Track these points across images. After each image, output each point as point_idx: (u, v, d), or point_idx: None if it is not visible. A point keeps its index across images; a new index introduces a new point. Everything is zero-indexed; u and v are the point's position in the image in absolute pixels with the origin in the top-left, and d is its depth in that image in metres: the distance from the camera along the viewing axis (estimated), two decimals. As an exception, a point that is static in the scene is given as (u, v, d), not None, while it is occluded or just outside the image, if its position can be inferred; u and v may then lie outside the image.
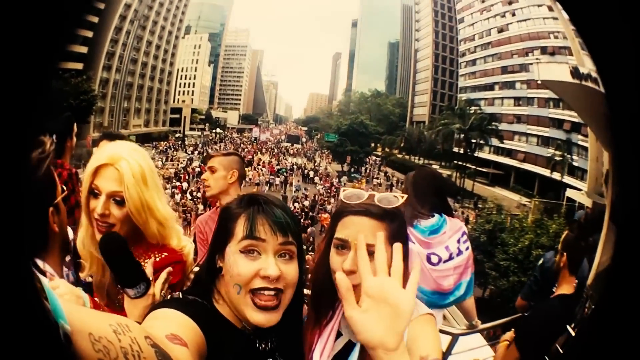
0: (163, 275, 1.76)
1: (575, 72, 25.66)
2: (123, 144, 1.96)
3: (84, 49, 55.39)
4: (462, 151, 59.51)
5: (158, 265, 1.86)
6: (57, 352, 0.64)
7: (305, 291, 1.67)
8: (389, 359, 1.08)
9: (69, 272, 2.07)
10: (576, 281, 3.05)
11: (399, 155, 73.60)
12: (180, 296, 1.43)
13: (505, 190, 54.22)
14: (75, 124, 3.52)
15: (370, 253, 1.35)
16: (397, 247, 1.19)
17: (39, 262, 1.73)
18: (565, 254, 3.19)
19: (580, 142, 44.74)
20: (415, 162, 65.12)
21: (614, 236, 0.77)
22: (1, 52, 0.56)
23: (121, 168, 1.81)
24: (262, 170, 54.83)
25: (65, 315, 0.68)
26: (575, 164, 45.09)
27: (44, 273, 1.73)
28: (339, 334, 1.60)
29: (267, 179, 50.91)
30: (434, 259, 2.89)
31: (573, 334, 1.76)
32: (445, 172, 55.93)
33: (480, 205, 44.69)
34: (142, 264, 1.74)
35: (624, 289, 0.73)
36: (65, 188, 1.83)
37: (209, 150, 66.07)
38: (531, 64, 55.18)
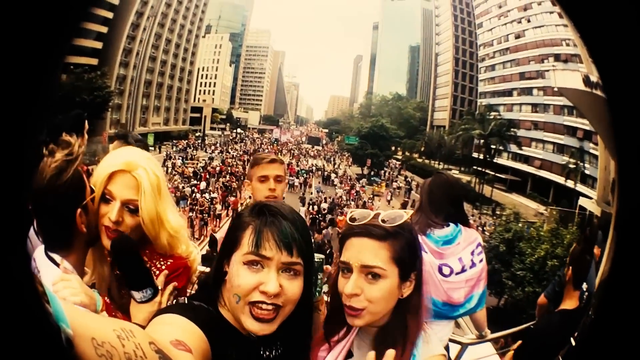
0: (170, 287, 1.78)
1: (586, 80, 25.48)
2: (137, 151, 1.95)
3: (98, 45, 55.71)
4: (481, 157, 59.29)
5: (170, 268, 1.91)
6: (58, 356, 0.63)
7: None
8: None
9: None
10: (580, 295, 2.99)
11: (419, 160, 73.38)
12: (186, 301, 1.42)
13: (522, 197, 54.25)
14: (86, 121, 3.56)
15: (373, 275, 1.46)
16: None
17: (56, 257, 1.72)
18: (571, 267, 3.14)
19: (591, 150, 44.76)
20: (435, 166, 64.76)
21: (614, 244, 0.76)
22: (4, 45, 0.55)
23: (139, 176, 1.79)
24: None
25: (68, 319, 0.67)
26: (587, 172, 45.19)
27: (57, 265, 1.71)
28: (350, 354, 1.59)
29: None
30: (446, 271, 2.81)
31: (573, 343, 1.77)
32: (464, 178, 55.69)
33: (498, 212, 44.25)
34: (154, 272, 1.81)
35: (622, 297, 0.73)
36: (93, 188, 1.80)
37: (230, 150, 66.42)
38: (547, 70, 55.97)
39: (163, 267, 1.93)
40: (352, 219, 1.55)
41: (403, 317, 1.51)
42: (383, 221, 1.50)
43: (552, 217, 34.26)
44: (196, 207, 31.95)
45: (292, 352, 1.54)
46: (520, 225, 26.99)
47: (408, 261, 1.49)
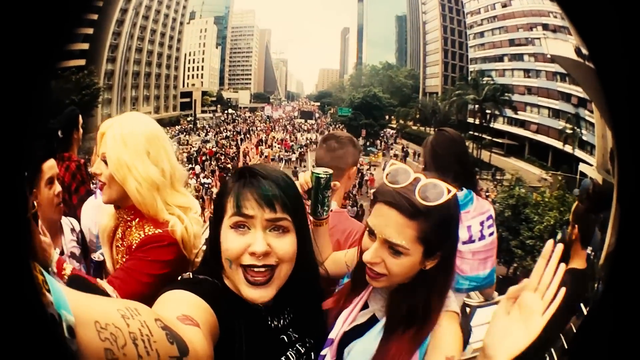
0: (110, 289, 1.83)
1: (578, 51, 25.18)
2: (125, 115, 2.13)
3: (85, 46, 55.12)
4: (477, 122, 59.15)
5: (146, 239, 1.98)
6: (56, 349, 0.61)
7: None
8: None
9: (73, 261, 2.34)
10: (587, 256, 2.95)
11: (414, 127, 73.06)
12: (191, 276, 1.41)
13: (521, 161, 54.55)
14: (80, 117, 3.58)
15: (395, 251, 1.39)
16: (561, 270, 1.18)
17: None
18: (576, 226, 3.08)
19: (587, 118, 44.86)
20: (430, 133, 64.26)
21: (618, 218, 0.76)
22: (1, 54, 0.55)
23: (106, 133, 2.01)
24: (277, 147, 54.78)
25: (69, 304, 0.65)
26: (584, 138, 45.21)
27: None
28: (365, 306, 1.57)
29: (282, 156, 50.89)
30: None
31: (586, 313, 1.77)
32: (460, 143, 55.44)
33: (498, 177, 44.20)
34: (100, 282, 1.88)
35: (629, 272, 0.72)
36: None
37: (223, 132, 66.10)
38: (537, 38, 56.63)
39: (147, 233, 2.01)
40: (388, 177, 1.43)
41: (425, 291, 1.45)
42: (421, 197, 1.34)
43: (556, 183, 34.21)
44: (197, 187, 31.97)
45: (304, 316, 1.54)
46: (523, 190, 26.70)
47: (436, 242, 1.39)
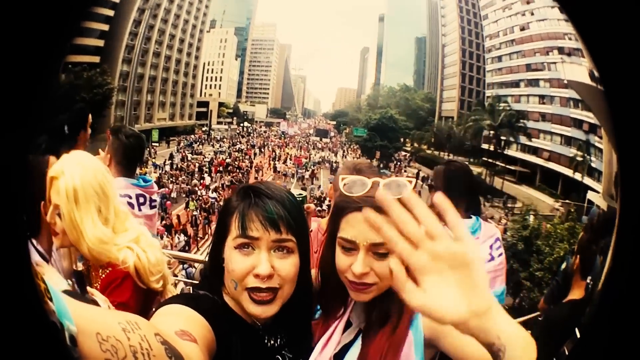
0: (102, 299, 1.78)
1: (592, 74, 25.30)
2: (75, 156, 2.01)
3: (100, 42, 55.94)
4: (491, 148, 59.16)
5: (104, 282, 1.97)
6: (59, 354, 0.62)
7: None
8: (489, 322, 0.86)
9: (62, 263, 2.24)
10: (586, 286, 2.92)
11: (428, 151, 73.01)
12: (191, 291, 1.48)
13: (532, 189, 54.40)
14: (89, 116, 3.49)
15: (382, 254, 1.35)
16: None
17: (35, 242, 1.91)
18: (578, 256, 3.05)
19: (596, 144, 44.80)
20: (445, 158, 64.33)
21: (617, 240, 0.76)
22: (2, 46, 0.55)
23: (58, 184, 1.88)
24: (291, 163, 55.27)
25: (71, 315, 0.66)
26: (593, 165, 45.18)
27: (41, 255, 1.93)
28: (349, 325, 1.52)
29: (295, 172, 51.33)
30: None
31: (578, 335, 1.65)
32: (474, 169, 55.28)
33: (510, 205, 43.94)
34: (96, 282, 1.96)
35: (624, 295, 0.73)
36: None
37: (237, 144, 66.72)
38: (553, 63, 56.90)
39: (101, 277, 2.00)
40: (346, 188, 1.42)
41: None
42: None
43: (566, 213, 33.89)
44: (200, 202, 32.15)
45: (296, 338, 1.53)
46: (535, 221, 26.64)
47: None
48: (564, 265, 3.68)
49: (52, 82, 0.61)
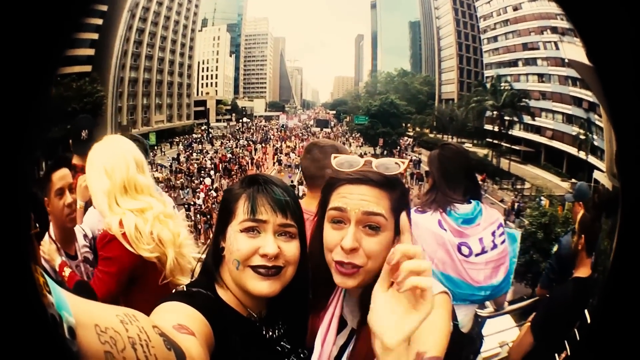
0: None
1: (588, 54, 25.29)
2: (106, 139, 2.52)
3: (90, 52, 55.32)
4: (495, 129, 58.72)
5: (99, 237, 2.33)
6: (58, 349, 0.61)
7: None
8: (383, 356, 1.02)
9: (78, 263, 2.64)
10: (592, 264, 2.92)
11: (431, 135, 72.22)
12: (185, 289, 1.41)
13: (537, 168, 54.24)
14: (93, 120, 3.77)
15: (372, 227, 1.35)
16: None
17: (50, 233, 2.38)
18: (583, 235, 3.04)
19: (597, 122, 44.55)
20: (448, 140, 63.64)
21: (621, 222, 0.74)
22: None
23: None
24: (293, 155, 55.30)
25: (70, 307, 0.66)
26: (595, 143, 44.94)
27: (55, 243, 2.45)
28: (344, 323, 1.51)
29: (297, 163, 51.34)
30: (465, 250, 2.73)
31: (589, 319, 1.60)
32: (479, 151, 55.04)
33: (519, 186, 43.77)
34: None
35: (630, 276, 0.71)
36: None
37: (237, 140, 66.69)
38: (549, 41, 57.04)
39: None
40: (337, 164, 1.45)
41: None
42: (377, 168, 1.40)
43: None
44: (206, 200, 32.12)
45: (295, 328, 1.56)
46: (552, 208, 26.27)
47: (400, 211, 1.35)
48: (555, 248, 3.69)
49: (47, 94, 0.61)
